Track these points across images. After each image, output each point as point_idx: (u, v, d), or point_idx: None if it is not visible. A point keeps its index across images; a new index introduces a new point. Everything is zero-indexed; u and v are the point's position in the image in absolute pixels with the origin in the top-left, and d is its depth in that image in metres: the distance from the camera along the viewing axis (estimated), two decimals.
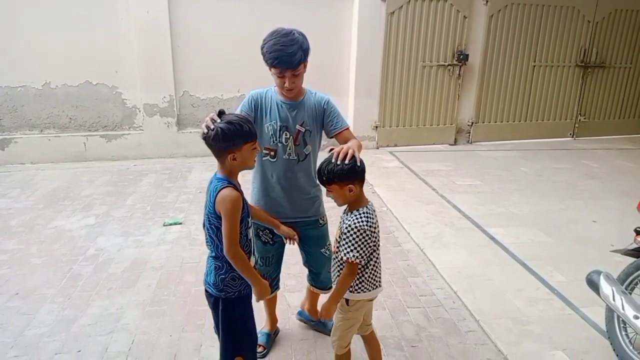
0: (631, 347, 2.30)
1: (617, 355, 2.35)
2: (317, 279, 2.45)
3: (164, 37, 5.64)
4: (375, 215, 1.92)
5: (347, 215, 1.90)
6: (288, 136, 2.13)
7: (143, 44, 5.61)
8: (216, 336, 1.97)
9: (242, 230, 1.80)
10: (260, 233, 2.30)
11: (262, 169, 2.22)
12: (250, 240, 1.89)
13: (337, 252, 1.92)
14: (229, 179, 1.78)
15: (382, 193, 4.71)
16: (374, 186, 4.86)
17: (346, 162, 1.80)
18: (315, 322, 2.63)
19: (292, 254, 2.47)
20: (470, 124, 6.93)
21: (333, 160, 1.82)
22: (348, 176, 1.82)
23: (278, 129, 2.13)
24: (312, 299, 2.58)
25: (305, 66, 2.06)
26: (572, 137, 7.45)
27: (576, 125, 7.44)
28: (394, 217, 4.18)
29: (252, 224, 2.25)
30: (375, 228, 1.89)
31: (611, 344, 2.39)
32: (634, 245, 2.32)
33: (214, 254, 1.85)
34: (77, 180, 5.09)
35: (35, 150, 5.64)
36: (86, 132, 5.80)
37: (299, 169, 2.19)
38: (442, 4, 6.29)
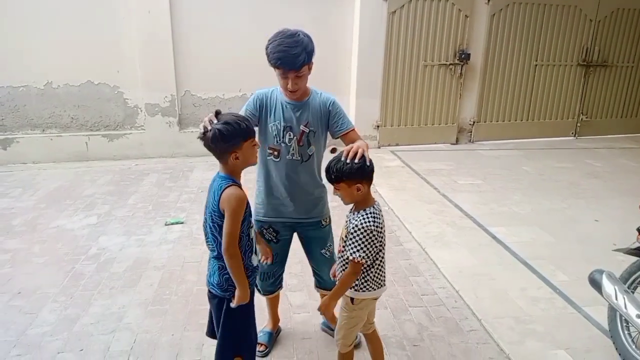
0: (634, 346, 2.29)
1: (619, 354, 2.34)
2: (321, 281, 2.43)
3: (166, 37, 5.64)
4: (382, 215, 1.92)
5: (353, 214, 1.89)
6: (292, 136, 2.13)
7: (144, 44, 5.62)
8: (215, 336, 1.97)
9: (244, 229, 1.80)
10: (265, 231, 2.30)
11: (265, 168, 2.22)
12: (252, 239, 1.89)
13: (342, 251, 1.92)
14: (233, 178, 1.78)
15: (384, 192, 4.70)
16: (376, 185, 4.85)
17: (356, 161, 1.80)
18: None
19: (294, 253, 2.46)
20: (472, 123, 6.93)
21: (343, 159, 1.82)
22: (357, 175, 1.82)
23: (282, 129, 2.13)
24: None
25: (310, 68, 2.05)
26: (574, 136, 7.44)
27: (578, 124, 7.42)
28: (396, 216, 4.18)
29: (256, 223, 2.26)
30: (381, 228, 1.89)
31: (614, 343, 2.39)
32: (637, 244, 2.32)
33: (215, 254, 1.84)
34: (79, 180, 5.10)
35: (37, 150, 5.65)
36: (88, 132, 5.81)
37: (302, 169, 2.18)
38: (444, 3, 6.28)
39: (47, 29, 5.39)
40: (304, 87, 2.10)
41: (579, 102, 7.33)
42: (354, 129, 2.18)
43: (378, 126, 6.45)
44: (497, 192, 4.88)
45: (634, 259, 2.38)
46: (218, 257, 1.83)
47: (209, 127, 1.71)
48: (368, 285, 1.93)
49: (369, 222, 1.83)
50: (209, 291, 1.91)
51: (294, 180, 2.19)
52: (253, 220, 2.22)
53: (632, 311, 2.13)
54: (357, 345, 2.36)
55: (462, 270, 3.28)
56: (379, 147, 6.51)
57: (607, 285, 2.25)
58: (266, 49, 2.03)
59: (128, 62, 5.68)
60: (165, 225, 3.97)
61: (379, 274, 1.95)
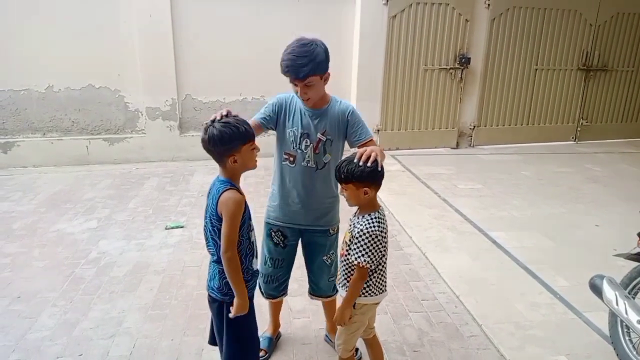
0: (634, 352, 2.28)
1: None
2: (316, 288, 2.42)
3: (167, 41, 5.66)
4: (386, 221, 1.92)
5: (358, 218, 1.89)
6: (308, 144, 2.13)
7: (146, 48, 5.64)
8: (216, 343, 1.96)
9: (244, 233, 1.80)
10: (273, 234, 2.30)
11: (281, 173, 2.23)
12: (252, 242, 1.88)
13: (346, 255, 1.92)
14: (232, 182, 1.78)
15: (384, 196, 4.69)
16: None
17: (368, 164, 1.80)
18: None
19: (296, 258, 2.46)
20: (472, 127, 6.93)
21: (355, 161, 1.82)
22: (367, 179, 1.82)
23: (299, 135, 2.13)
24: (329, 316, 2.52)
25: (322, 78, 2.03)
26: (575, 140, 7.44)
27: (578, 128, 7.43)
28: (396, 220, 4.17)
29: (266, 225, 2.29)
30: (385, 233, 1.89)
31: (614, 348, 2.38)
32: (637, 250, 2.31)
33: (215, 258, 1.84)
34: (80, 184, 5.10)
35: (37, 154, 5.66)
36: (89, 136, 5.82)
37: (316, 177, 2.18)
38: (444, 8, 6.30)
39: (49, 33, 5.41)
40: (315, 96, 2.08)
41: (579, 107, 7.34)
42: (372, 139, 2.15)
43: (378, 130, 6.45)
44: (497, 196, 4.88)
45: (634, 264, 2.38)
46: (218, 261, 1.82)
47: (213, 123, 1.72)
48: (370, 290, 1.93)
49: (374, 227, 1.83)
50: (209, 295, 1.90)
51: (308, 187, 2.19)
52: (263, 222, 2.22)
53: (633, 317, 2.12)
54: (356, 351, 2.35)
55: (462, 275, 3.27)
56: None
57: (608, 291, 2.25)
58: (282, 54, 2.02)
59: (129, 66, 5.69)
60: (166, 229, 3.97)
61: (380, 279, 1.95)
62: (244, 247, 1.81)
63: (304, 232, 2.30)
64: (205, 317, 2.68)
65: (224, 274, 1.80)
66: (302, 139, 2.13)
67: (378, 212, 1.89)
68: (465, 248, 3.69)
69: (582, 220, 4.28)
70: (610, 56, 7.21)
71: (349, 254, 1.89)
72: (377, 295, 1.96)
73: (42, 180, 5.18)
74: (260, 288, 2.46)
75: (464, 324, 2.76)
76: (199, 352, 2.47)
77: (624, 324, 2.29)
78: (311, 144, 2.13)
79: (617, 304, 2.19)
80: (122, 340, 2.55)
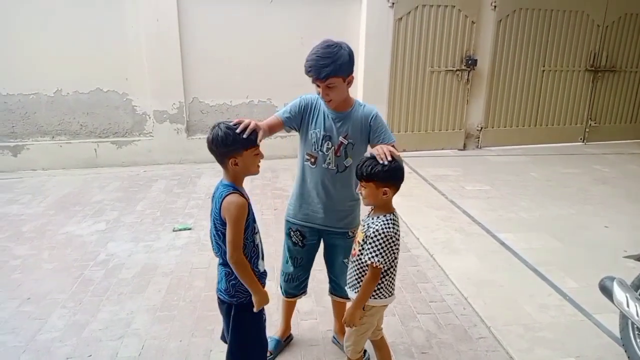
0: None
1: None
2: (338, 288, 2.42)
3: (174, 45, 5.69)
4: (399, 224, 1.91)
5: (372, 219, 1.88)
6: (330, 146, 2.14)
7: (153, 52, 5.68)
8: (227, 340, 1.97)
9: (249, 235, 1.81)
10: (292, 233, 2.32)
11: (302, 172, 2.24)
12: (257, 245, 1.89)
13: (358, 255, 1.91)
14: (235, 186, 1.78)
15: None
16: None
17: (389, 158, 1.80)
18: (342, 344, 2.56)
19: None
20: (480, 129, 6.91)
21: (377, 159, 1.82)
22: (388, 179, 1.82)
23: (321, 137, 2.14)
24: (338, 317, 2.52)
25: (344, 80, 2.03)
26: (583, 141, 7.40)
27: (586, 129, 7.38)
28: (403, 222, 4.16)
29: (286, 223, 2.31)
30: (399, 236, 1.89)
31: (625, 351, 2.36)
32: None
33: (222, 261, 1.85)
34: (88, 186, 5.14)
35: (46, 157, 5.71)
36: (97, 139, 5.87)
37: (337, 179, 2.18)
38: (450, 10, 6.29)
39: (57, 37, 5.46)
40: (337, 98, 2.08)
41: (587, 108, 7.30)
42: (394, 144, 2.14)
43: None
44: (505, 198, 4.86)
45: None
46: (224, 264, 1.83)
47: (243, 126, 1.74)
48: (381, 292, 1.93)
49: (390, 227, 1.83)
50: (218, 297, 1.91)
51: (328, 189, 2.19)
52: (283, 220, 2.22)
53: None
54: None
55: (470, 276, 3.26)
56: None
57: (618, 293, 2.23)
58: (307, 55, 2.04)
59: (137, 69, 5.73)
60: (173, 231, 3.99)
61: (391, 282, 1.95)
62: (249, 249, 1.82)
63: (323, 233, 2.30)
64: (213, 318, 2.69)
65: (231, 277, 1.82)
66: (324, 141, 2.14)
67: (393, 214, 1.89)
68: (473, 250, 3.67)
69: (591, 222, 4.25)
70: (618, 57, 7.17)
71: (361, 254, 1.88)
72: (386, 298, 1.95)
73: (51, 183, 5.23)
74: (280, 287, 2.48)
75: (473, 326, 2.75)
76: (207, 353, 2.47)
77: (635, 326, 2.27)
78: (333, 147, 2.14)
79: (628, 306, 2.17)
80: (131, 341, 2.56)
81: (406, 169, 1.91)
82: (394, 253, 1.88)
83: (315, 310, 2.87)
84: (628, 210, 4.51)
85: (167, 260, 3.49)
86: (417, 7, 6.19)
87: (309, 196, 2.24)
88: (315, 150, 2.16)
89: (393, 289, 1.98)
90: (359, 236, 1.93)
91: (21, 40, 5.40)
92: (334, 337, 2.60)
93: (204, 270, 3.32)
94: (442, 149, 6.78)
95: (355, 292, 1.94)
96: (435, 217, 4.31)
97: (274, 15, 5.91)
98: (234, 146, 1.73)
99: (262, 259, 1.93)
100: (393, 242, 1.85)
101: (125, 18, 5.58)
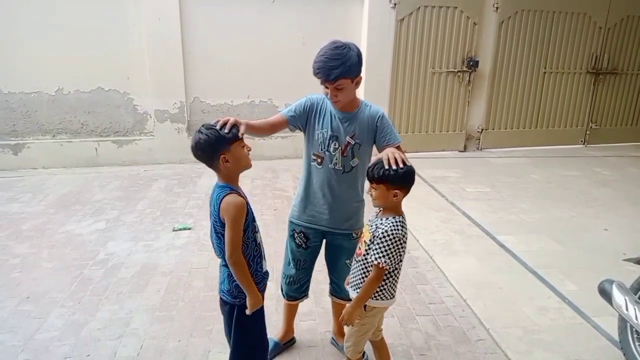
0: None
1: None
2: (338, 289, 2.41)
3: (175, 44, 5.70)
4: (407, 227, 1.91)
5: (381, 220, 1.88)
6: (337, 146, 2.13)
7: (154, 51, 5.68)
8: (224, 342, 1.97)
9: (250, 235, 1.80)
10: (295, 235, 2.31)
11: (308, 173, 2.23)
12: (259, 244, 1.88)
13: (364, 255, 1.91)
14: (231, 186, 1.77)
15: None
16: None
17: (401, 166, 1.82)
18: (341, 346, 2.50)
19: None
20: (480, 130, 6.91)
21: (387, 166, 1.82)
22: (400, 182, 1.83)
23: (328, 137, 2.13)
24: (337, 318, 2.51)
25: (353, 81, 2.03)
26: (584, 144, 7.39)
27: (587, 132, 7.38)
28: None
29: (290, 224, 2.31)
30: (406, 239, 1.89)
31: (624, 354, 2.36)
32: None
33: (224, 262, 1.84)
34: (88, 185, 5.14)
35: (47, 155, 5.71)
36: (98, 138, 5.87)
37: (343, 180, 2.18)
38: (452, 11, 6.29)
39: (59, 36, 5.47)
40: (346, 99, 2.08)
41: (588, 110, 7.29)
42: (399, 144, 2.16)
43: None
44: (505, 200, 4.85)
45: None
46: (226, 265, 1.83)
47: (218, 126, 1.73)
48: (383, 294, 1.93)
49: (398, 230, 1.84)
50: (220, 298, 1.91)
51: (334, 189, 2.19)
52: (283, 220, 2.22)
53: None
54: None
55: (469, 278, 3.26)
56: None
57: (618, 296, 2.23)
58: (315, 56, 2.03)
59: (138, 69, 5.73)
60: (173, 231, 3.99)
61: (394, 284, 1.95)
62: (251, 249, 1.82)
63: (327, 234, 2.30)
64: (212, 318, 2.70)
65: (233, 277, 1.81)
66: (330, 141, 2.13)
67: (402, 216, 1.89)
68: (473, 251, 3.67)
69: (591, 224, 4.24)
70: (620, 59, 7.16)
71: (367, 253, 1.88)
72: (388, 299, 1.96)
73: (52, 182, 5.23)
74: (281, 290, 2.47)
75: (471, 328, 2.75)
76: (206, 354, 2.47)
77: (634, 329, 2.27)
78: (339, 147, 2.13)
79: (627, 309, 2.17)
80: (130, 341, 2.56)
81: None
82: (400, 255, 1.88)
83: (314, 311, 2.87)
84: (628, 213, 4.51)
85: (167, 260, 3.49)
86: (419, 7, 6.19)
87: (315, 197, 2.23)
88: (322, 150, 2.15)
89: (395, 292, 1.98)
90: (366, 236, 1.93)
91: (23, 39, 5.40)
92: (332, 338, 2.60)
93: (204, 271, 3.32)
94: (443, 150, 6.78)
95: (357, 292, 1.94)
96: (435, 218, 4.31)
97: (275, 15, 5.91)
98: (219, 142, 1.71)
99: (264, 258, 1.93)
100: (400, 244, 1.85)
101: (127, 17, 5.59)
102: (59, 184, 5.17)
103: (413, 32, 6.26)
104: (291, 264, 2.37)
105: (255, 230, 1.86)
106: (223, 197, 1.73)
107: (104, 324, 2.70)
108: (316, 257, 2.40)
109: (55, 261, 3.44)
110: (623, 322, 2.36)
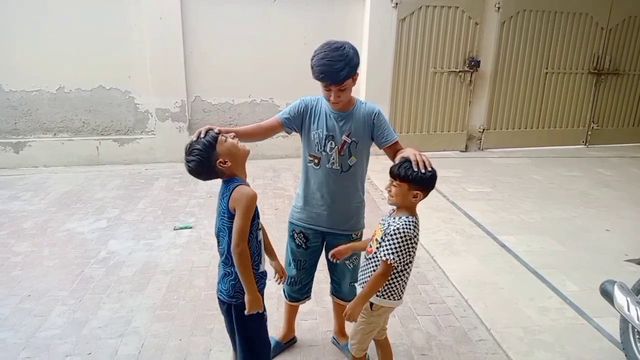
0: None
1: None
2: (339, 289, 2.41)
3: (177, 43, 5.70)
4: (419, 229, 1.92)
5: (394, 218, 1.89)
6: (333, 146, 2.13)
7: (156, 50, 5.68)
8: (225, 340, 1.96)
9: (253, 231, 1.80)
10: (295, 235, 2.31)
11: (306, 174, 2.23)
12: (260, 242, 1.88)
13: (375, 253, 1.90)
14: (238, 179, 1.79)
15: None
16: (384, 192, 4.82)
17: (429, 169, 1.85)
18: (342, 345, 2.52)
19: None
20: (482, 130, 6.90)
21: (415, 168, 1.84)
22: (424, 184, 1.85)
23: (324, 137, 2.13)
24: (338, 317, 2.53)
25: (354, 80, 2.03)
26: (585, 144, 7.38)
27: (589, 132, 7.37)
28: None
29: (290, 225, 2.31)
30: (417, 239, 1.89)
31: (626, 355, 2.35)
32: None
33: (223, 259, 1.84)
34: (90, 184, 5.14)
35: (48, 154, 5.72)
36: (99, 136, 5.87)
37: (341, 179, 2.17)
38: (454, 11, 6.29)
39: (60, 34, 5.47)
40: (347, 99, 2.08)
41: (589, 111, 7.28)
42: (398, 140, 2.17)
43: None
44: (506, 200, 4.85)
45: None
46: (225, 262, 1.83)
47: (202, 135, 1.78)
48: (392, 294, 1.93)
49: (411, 229, 1.84)
50: (218, 298, 1.91)
51: (332, 189, 2.18)
52: (284, 220, 2.22)
53: None
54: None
55: (471, 279, 3.26)
56: None
57: (619, 296, 2.22)
58: (311, 60, 2.00)
59: (139, 67, 5.73)
60: (174, 229, 3.99)
61: (403, 285, 1.94)
62: (252, 245, 1.81)
63: (327, 235, 2.29)
64: (213, 317, 2.70)
65: (231, 276, 1.81)
66: (327, 141, 2.13)
67: (415, 217, 1.89)
68: (474, 252, 3.67)
69: (592, 225, 4.24)
70: (622, 60, 7.15)
71: (378, 251, 1.87)
72: (396, 300, 1.95)
73: (53, 180, 5.23)
74: (283, 290, 2.47)
75: (473, 328, 2.74)
76: (207, 352, 2.47)
77: (636, 330, 2.26)
78: (336, 146, 2.13)
79: (628, 310, 2.17)
80: (131, 339, 2.56)
81: None
82: (410, 255, 1.87)
83: (315, 310, 2.87)
84: (630, 214, 4.50)
85: (168, 258, 3.50)
86: (421, 7, 6.18)
87: (313, 198, 2.23)
88: (318, 150, 2.15)
89: (403, 294, 1.97)
90: (378, 234, 1.92)
91: (24, 37, 5.41)
92: (333, 337, 2.60)
93: (205, 269, 3.32)
94: (444, 150, 6.78)
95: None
96: (437, 218, 4.31)
97: (277, 15, 5.91)
98: (206, 154, 1.74)
99: (263, 258, 1.92)
100: (411, 244, 1.85)
101: (129, 16, 5.59)
102: (60, 182, 5.18)
103: (414, 31, 6.26)
104: (292, 265, 2.37)
105: (258, 227, 1.86)
106: (235, 187, 1.74)
107: (105, 322, 2.70)
108: (317, 258, 2.39)
109: (56, 259, 3.44)
110: (625, 323, 2.35)
